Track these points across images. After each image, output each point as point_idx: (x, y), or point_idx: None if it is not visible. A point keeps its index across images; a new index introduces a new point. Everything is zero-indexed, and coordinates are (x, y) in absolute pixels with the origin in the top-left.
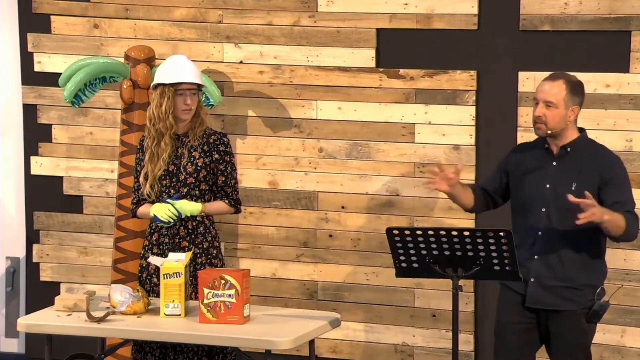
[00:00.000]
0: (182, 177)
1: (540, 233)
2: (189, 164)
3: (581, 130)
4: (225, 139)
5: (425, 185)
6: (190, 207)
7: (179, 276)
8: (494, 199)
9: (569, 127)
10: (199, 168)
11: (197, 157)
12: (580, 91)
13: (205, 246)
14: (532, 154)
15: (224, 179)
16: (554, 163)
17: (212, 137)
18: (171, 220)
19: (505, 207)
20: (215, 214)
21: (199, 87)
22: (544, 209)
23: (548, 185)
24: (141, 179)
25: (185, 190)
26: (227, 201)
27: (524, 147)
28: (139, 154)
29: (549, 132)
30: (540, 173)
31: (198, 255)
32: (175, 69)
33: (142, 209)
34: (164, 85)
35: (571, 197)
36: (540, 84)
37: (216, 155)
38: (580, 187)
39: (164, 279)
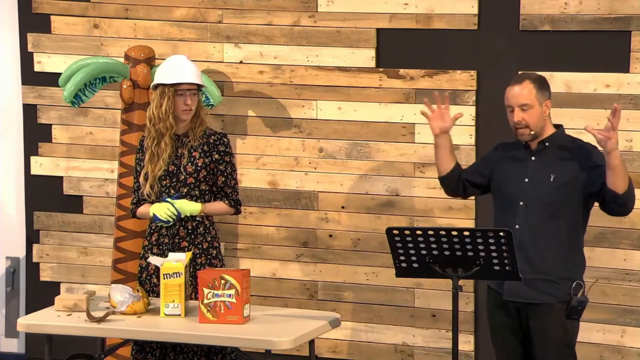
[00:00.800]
0: (182, 177)
1: (517, 227)
2: (189, 164)
3: (558, 126)
4: (225, 140)
5: (421, 112)
6: (189, 207)
7: (179, 276)
8: (465, 188)
9: (546, 122)
10: (199, 168)
11: (197, 157)
12: (546, 86)
13: (204, 247)
14: (513, 153)
15: (223, 179)
16: (533, 158)
17: (212, 137)
18: (170, 220)
19: None
20: (215, 214)
21: (199, 87)
22: (521, 203)
23: (527, 180)
24: (141, 179)
25: (185, 190)
26: (227, 202)
27: (505, 146)
28: (139, 154)
29: (532, 133)
30: (519, 169)
31: (198, 256)
32: (175, 69)
33: (142, 209)
34: (164, 85)
35: (589, 128)
36: (507, 90)
37: (216, 156)
38: (559, 177)
39: (164, 279)
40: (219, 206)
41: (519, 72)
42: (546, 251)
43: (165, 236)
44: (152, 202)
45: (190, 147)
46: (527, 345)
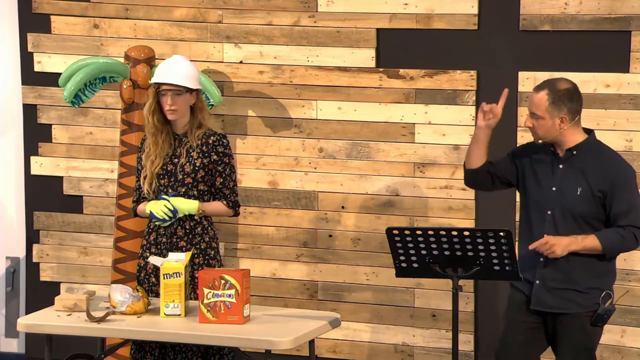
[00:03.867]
0: (180, 177)
1: (545, 235)
2: (187, 163)
3: (589, 132)
4: (224, 141)
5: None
6: (187, 205)
7: (179, 276)
8: (494, 182)
9: (568, 132)
10: (196, 168)
11: (195, 157)
12: (567, 99)
13: (202, 247)
14: (541, 156)
15: (222, 180)
16: (560, 166)
17: (212, 137)
18: (166, 218)
19: (505, 206)
20: (213, 214)
21: (192, 89)
22: (549, 212)
23: (554, 188)
24: (142, 177)
25: (183, 190)
26: (225, 202)
27: (535, 146)
28: (140, 153)
29: (540, 141)
30: (547, 175)
31: (195, 256)
32: (162, 69)
33: (141, 207)
34: (154, 84)
35: (531, 246)
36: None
37: (215, 157)
38: (585, 192)
39: (164, 279)
40: (217, 206)
41: (550, 79)
42: (575, 261)
43: (163, 235)
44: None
45: (189, 147)
46: (552, 346)
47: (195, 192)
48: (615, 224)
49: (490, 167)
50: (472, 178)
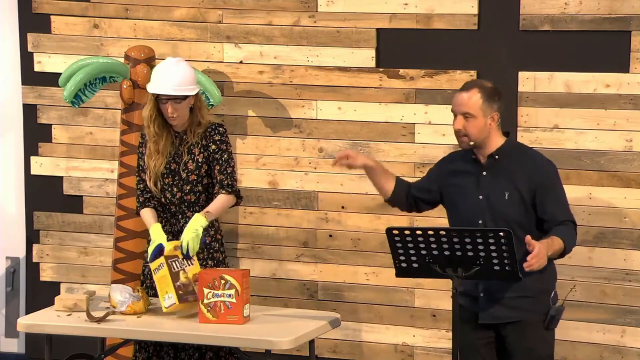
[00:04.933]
0: (184, 175)
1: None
2: (190, 161)
3: (507, 134)
4: (221, 129)
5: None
6: (194, 225)
7: (162, 267)
8: (417, 205)
9: (492, 134)
10: (200, 164)
11: (197, 153)
12: (497, 97)
13: (207, 241)
14: (461, 166)
15: (219, 167)
16: (484, 173)
17: (209, 129)
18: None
19: None
20: (220, 210)
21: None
22: (480, 221)
23: (481, 197)
24: (147, 178)
25: (188, 187)
26: (224, 191)
27: (453, 157)
28: (141, 149)
29: (471, 143)
30: (472, 185)
31: (200, 250)
32: (157, 77)
33: (145, 217)
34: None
35: (528, 239)
36: (455, 96)
37: (212, 146)
38: (513, 196)
39: (154, 274)
40: (219, 201)
41: (471, 80)
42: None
43: (169, 233)
44: (156, 203)
45: (190, 144)
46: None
47: (200, 187)
48: (551, 222)
49: (411, 189)
50: (396, 205)
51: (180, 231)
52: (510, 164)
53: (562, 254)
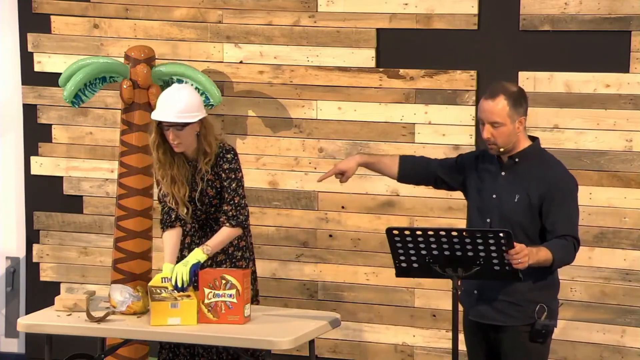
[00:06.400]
0: (207, 201)
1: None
2: (209, 188)
3: (534, 139)
4: (228, 155)
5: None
6: (193, 260)
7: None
8: (436, 182)
9: (519, 137)
10: (218, 190)
11: (213, 180)
12: (522, 101)
13: (230, 251)
14: (487, 165)
15: (226, 196)
16: (503, 173)
17: (219, 156)
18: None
19: None
20: (222, 245)
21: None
22: (488, 219)
23: (494, 196)
24: (172, 203)
25: (213, 209)
26: (227, 224)
27: (484, 156)
28: (158, 171)
29: (501, 150)
30: (490, 182)
31: (223, 261)
32: (159, 104)
33: (165, 243)
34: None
35: (511, 252)
36: (480, 103)
37: (222, 174)
38: (522, 200)
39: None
40: (221, 237)
41: (495, 83)
42: None
43: (197, 244)
44: (180, 224)
45: (203, 173)
46: None
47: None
48: (552, 234)
49: (433, 165)
50: (408, 181)
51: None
52: (528, 168)
53: (551, 266)
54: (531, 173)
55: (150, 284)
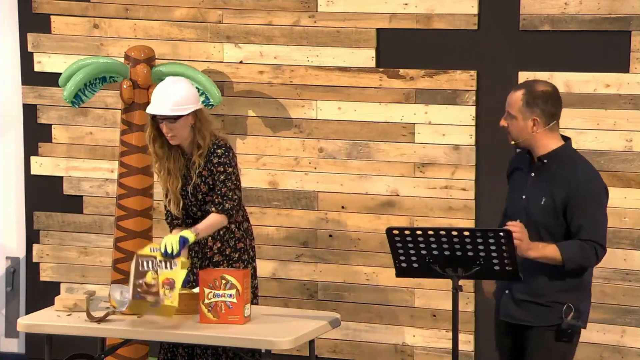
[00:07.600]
0: (200, 196)
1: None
2: (202, 184)
3: (566, 139)
4: (219, 151)
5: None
6: (179, 235)
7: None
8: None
9: (542, 137)
10: (211, 186)
11: (206, 175)
12: (542, 101)
13: (227, 252)
14: (522, 162)
15: (216, 186)
16: (532, 174)
17: (210, 150)
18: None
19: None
20: (209, 230)
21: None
22: (518, 220)
23: (524, 197)
24: (167, 200)
25: (206, 206)
26: (213, 209)
27: (520, 153)
28: (156, 168)
29: (512, 142)
30: (521, 183)
31: (220, 262)
32: (153, 97)
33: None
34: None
35: (510, 223)
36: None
37: (213, 169)
38: (548, 203)
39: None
40: (208, 221)
41: (532, 79)
42: (539, 273)
43: (196, 243)
44: (181, 223)
45: (196, 167)
46: None
47: None
48: (576, 237)
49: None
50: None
51: (205, 244)
52: (556, 170)
53: (563, 266)
54: (557, 176)
55: (138, 252)
